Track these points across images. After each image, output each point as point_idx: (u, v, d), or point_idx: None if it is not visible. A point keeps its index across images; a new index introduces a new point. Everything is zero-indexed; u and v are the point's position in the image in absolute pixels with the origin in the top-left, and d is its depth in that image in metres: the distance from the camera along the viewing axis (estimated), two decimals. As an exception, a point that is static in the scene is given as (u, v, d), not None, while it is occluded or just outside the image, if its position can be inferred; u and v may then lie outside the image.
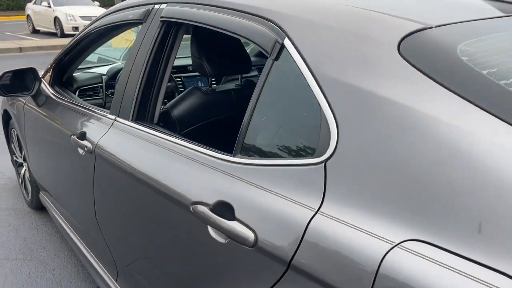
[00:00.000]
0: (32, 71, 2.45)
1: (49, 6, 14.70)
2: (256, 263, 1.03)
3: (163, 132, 1.52)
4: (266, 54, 1.20)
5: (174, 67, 3.02)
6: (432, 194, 0.80)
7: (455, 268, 0.72)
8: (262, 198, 1.06)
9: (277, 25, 1.19)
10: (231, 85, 2.18)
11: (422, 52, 0.94)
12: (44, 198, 2.83)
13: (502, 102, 0.83)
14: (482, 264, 0.71)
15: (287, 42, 1.15)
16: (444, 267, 0.73)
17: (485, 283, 0.68)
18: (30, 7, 16.16)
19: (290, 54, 1.13)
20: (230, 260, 1.11)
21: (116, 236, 1.75)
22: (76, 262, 2.61)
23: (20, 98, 2.84)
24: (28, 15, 16.32)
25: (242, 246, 1.06)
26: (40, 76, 2.53)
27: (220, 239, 1.14)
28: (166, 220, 1.37)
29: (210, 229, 1.17)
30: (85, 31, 2.23)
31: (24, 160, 3.14)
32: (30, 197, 3.19)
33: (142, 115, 1.70)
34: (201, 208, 1.19)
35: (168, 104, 1.94)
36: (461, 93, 0.85)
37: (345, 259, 0.85)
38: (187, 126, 1.88)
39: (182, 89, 2.96)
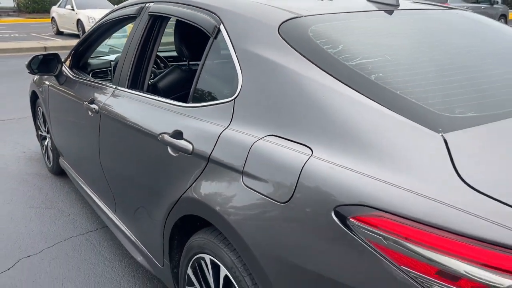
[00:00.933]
0: (56, 56, 3.11)
1: (73, 9, 15.60)
2: (193, 163, 1.64)
3: (146, 93, 2.14)
4: (209, 35, 1.81)
5: (171, 57, 3.67)
6: (283, 110, 1.40)
7: (288, 146, 1.32)
8: (199, 124, 1.67)
9: (217, 16, 1.81)
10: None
11: (290, 32, 1.55)
12: (63, 161, 3.49)
13: (325, 59, 1.43)
14: (299, 143, 1.30)
15: (221, 27, 1.77)
16: (283, 146, 1.33)
17: (300, 151, 1.27)
18: (54, 10, 17.12)
19: (223, 35, 1.74)
20: (179, 165, 1.73)
21: (113, 172, 2.37)
22: (87, 210, 3.25)
23: (45, 81, 3.51)
24: (52, 17, 17.29)
25: (185, 154, 1.68)
26: (62, 61, 3.19)
27: (174, 153, 1.75)
28: (144, 150, 1.99)
29: (169, 149, 1.78)
30: (97, 24, 2.89)
31: (47, 132, 3.81)
32: (51, 164, 3.85)
33: (135, 84, 2.32)
34: (165, 136, 1.80)
35: (156, 78, 2.57)
36: (304, 54, 1.45)
37: (235, 149, 1.46)
38: (170, 95, 2.50)
39: None
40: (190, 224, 1.81)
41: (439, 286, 0.94)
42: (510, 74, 1.51)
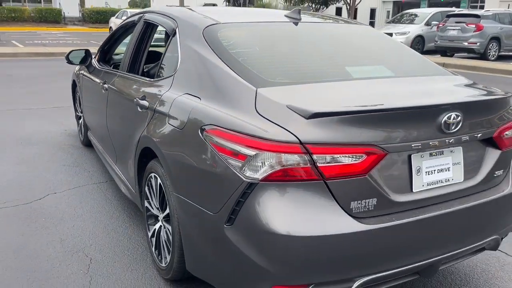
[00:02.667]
0: (88, 51, 4.18)
1: (128, 20, 17.23)
2: (147, 114, 2.57)
3: (137, 75, 3.11)
4: (170, 34, 2.75)
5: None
6: (194, 79, 2.30)
7: (190, 98, 2.22)
8: (155, 90, 2.60)
9: (176, 21, 2.74)
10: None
11: (208, 33, 2.45)
12: (90, 133, 4.54)
13: (220, 49, 2.31)
14: (195, 96, 2.20)
15: (177, 29, 2.70)
16: (193, 101, 2.22)
17: (194, 100, 2.16)
18: (112, 21, 18.93)
19: (177, 34, 2.68)
20: (141, 117, 2.66)
21: (114, 131, 3.35)
22: (103, 169, 4.26)
23: (81, 71, 4.59)
24: (110, 27, 19.09)
25: (144, 110, 2.61)
26: (93, 56, 4.25)
27: (139, 110, 2.69)
28: (128, 111, 2.94)
29: (138, 107, 2.73)
30: (115, 29, 3.91)
31: (81, 112, 4.89)
32: (83, 138, 4.93)
33: (132, 69, 3.30)
34: (137, 99, 2.74)
35: (150, 66, 3.54)
36: (211, 46, 2.34)
37: (167, 102, 2.37)
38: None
39: None
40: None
41: (231, 159, 1.80)
42: (330, 67, 2.34)
